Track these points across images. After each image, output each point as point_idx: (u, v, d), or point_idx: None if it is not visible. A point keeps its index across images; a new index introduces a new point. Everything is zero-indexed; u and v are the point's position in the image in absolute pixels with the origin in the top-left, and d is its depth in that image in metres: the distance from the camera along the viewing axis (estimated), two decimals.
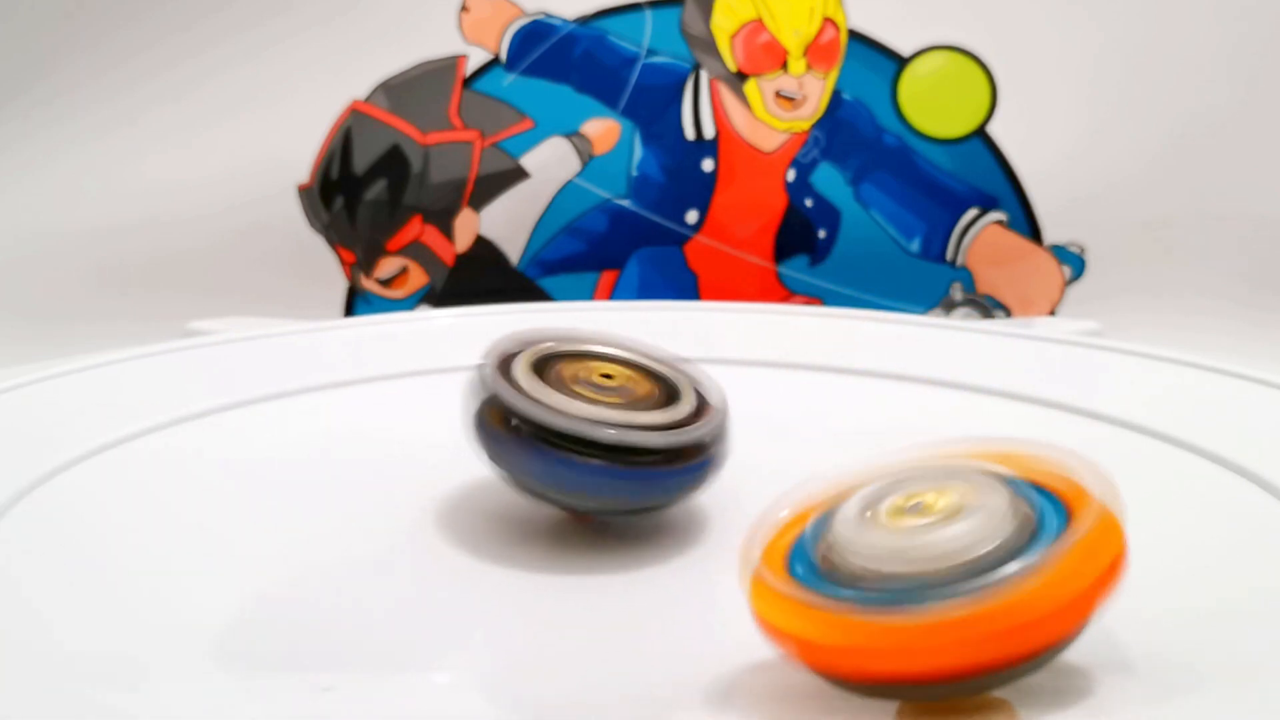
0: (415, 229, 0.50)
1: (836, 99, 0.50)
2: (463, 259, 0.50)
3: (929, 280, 0.50)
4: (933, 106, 0.50)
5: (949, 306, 0.50)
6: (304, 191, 0.50)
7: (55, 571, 0.22)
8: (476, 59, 0.50)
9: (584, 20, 0.50)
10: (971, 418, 0.31)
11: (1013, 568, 0.14)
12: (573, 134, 0.50)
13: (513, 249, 0.50)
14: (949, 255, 0.50)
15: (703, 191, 0.50)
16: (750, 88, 0.50)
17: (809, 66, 0.50)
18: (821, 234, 0.50)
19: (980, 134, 0.50)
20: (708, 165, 0.50)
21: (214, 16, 0.50)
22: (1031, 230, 0.50)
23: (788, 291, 0.51)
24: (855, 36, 0.50)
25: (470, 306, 0.44)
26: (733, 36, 0.50)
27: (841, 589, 0.15)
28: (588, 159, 0.50)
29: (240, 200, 0.50)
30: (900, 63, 0.50)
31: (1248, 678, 0.18)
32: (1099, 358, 0.34)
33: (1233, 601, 0.21)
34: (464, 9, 0.50)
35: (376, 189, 0.50)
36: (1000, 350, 0.35)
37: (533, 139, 0.50)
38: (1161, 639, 0.20)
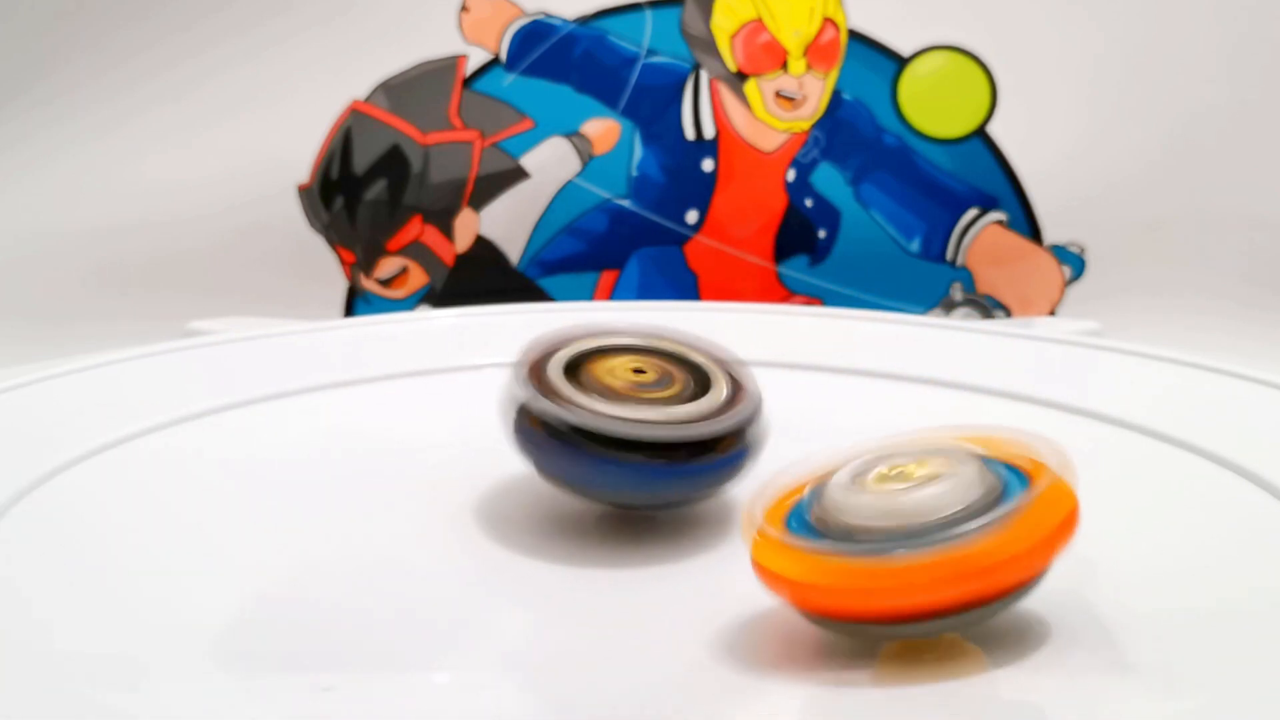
0: (415, 229, 0.50)
1: (836, 99, 0.50)
2: (463, 259, 0.50)
3: (929, 280, 0.50)
4: (933, 106, 0.50)
5: (949, 306, 0.50)
6: (304, 191, 0.50)
7: (55, 571, 0.22)
8: (476, 59, 0.50)
9: (584, 20, 0.50)
10: (971, 418, 0.30)
11: (975, 523, 0.17)
12: (573, 134, 0.50)
13: (513, 249, 0.50)
14: (949, 255, 0.50)
15: (703, 191, 0.50)
16: (750, 88, 0.50)
17: (809, 66, 0.50)
18: (821, 234, 0.50)
19: (980, 134, 0.50)
20: (708, 165, 0.50)
21: (214, 16, 0.50)
22: (1031, 230, 0.50)
23: (788, 291, 0.51)
24: (855, 36, 0.50)
25: (470, 307, 0.44)
26: (733, 36, 0.50)
27: (829, 540, 0.18)
28: (588, 159, 0.50)
29: (240, 200, 0.50)
30: (900, 63, 0.50)
31: (1248, 677, 0.18)
32: (1099, 358, 0.34)
33: (1233, 601, 0.21)
34: (464, 9, 0.51)
35: (376, 189, 0.50)
36: (1000, 350, 0.35)
37: (533, 139, 0.50)
38: (1161, 638, 0.20)
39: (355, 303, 0.51)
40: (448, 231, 0.50)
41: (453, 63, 0.50)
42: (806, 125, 0.50)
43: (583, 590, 0.22)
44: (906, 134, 0.50)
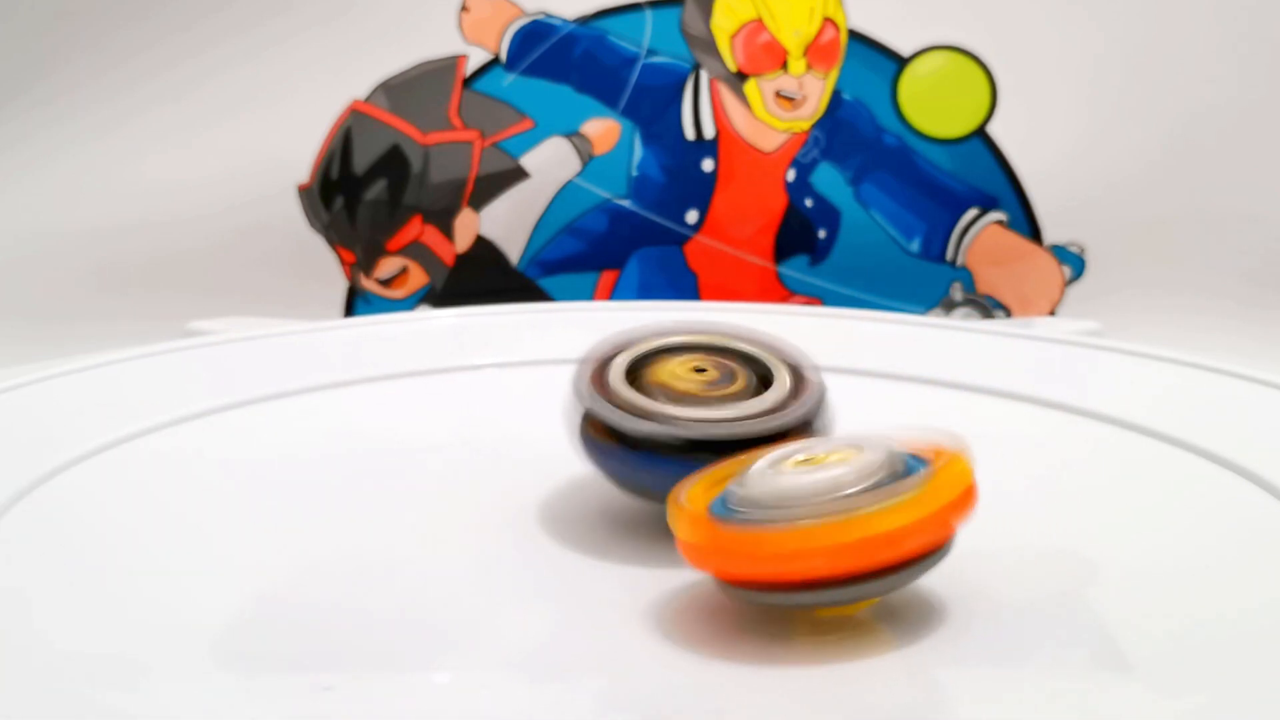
0: (415, 229, 0.50)
1: (836, 99, 0.50)
2: (463, 259, 0.50)
3: (929, 280, 0.50)
4: (933, 106, 0.50)
5: (949, 306, 0.50)
6: (304, 191, 0.50)
7: (55, 571, 0.22)
8: (476, 59, 0.50)
9: (584, 20, 0.50)
10: (971, 418, 0.31)
11: (868, 496, 0.19)
12: (573, 134, 0.50)
13: (513, 249, 0.50)
14: (949, 255, 0.50)
15: (703, 191, 0.50)
16: (750, 88, 0.50)
17: (809, 66, 0.50)
18: (821, 234, 0.50)
19: (980, 134, 0.50)
20: (708, 165, 0.50)
21: (214, 16, 0.50)
22: (1031, 230, 0.50)
23: (788, 291, 0.51)
24: (855, 36, 0.50)
25: (470, 307, 0.44)
26: (733, 36, 0.50)
27: (739, 512, 0.19)
28: (588, 159, 0.50)
29: (240, 200, 0.50)
30: (900, 63, 0.50)
31: (1248, 677, 0.18)
32: (1099, 358, 0.34)
33: (1233, 601, 0.21)
34: (464, 9, 0.51)
35: (376, 189, 0.50)
36: (1000, 350, 0.35)
37: (533, 139, 0.50)
38: (1161, 638, 0.20)
39: (355, 303, 0.51)
40: (448, 231, 0.50)
41: (453, 63, 0.50)
42: (806, 125, 0.50)
43: (583, 590, 0.22)
44: (906, 134, 0.50)
